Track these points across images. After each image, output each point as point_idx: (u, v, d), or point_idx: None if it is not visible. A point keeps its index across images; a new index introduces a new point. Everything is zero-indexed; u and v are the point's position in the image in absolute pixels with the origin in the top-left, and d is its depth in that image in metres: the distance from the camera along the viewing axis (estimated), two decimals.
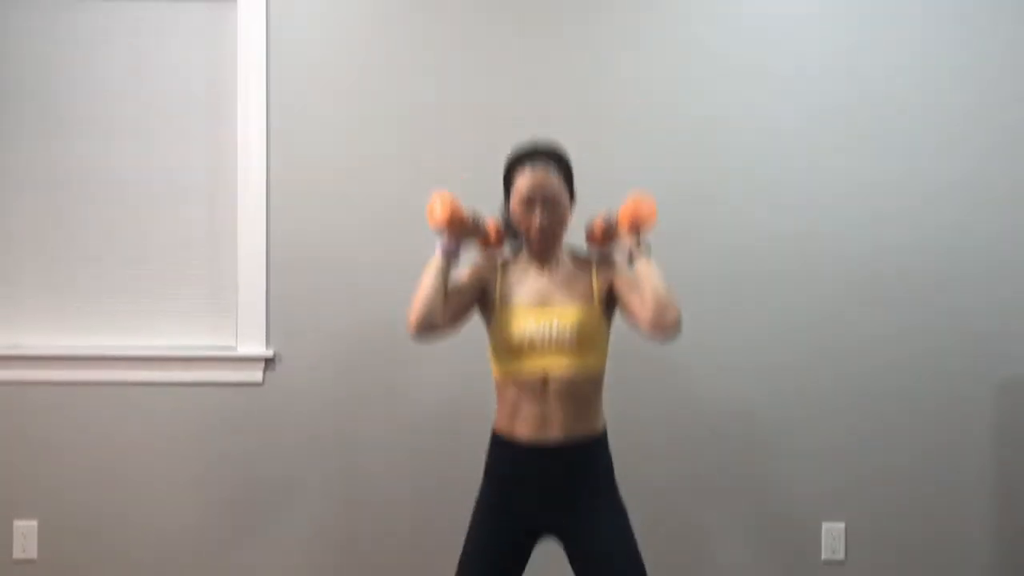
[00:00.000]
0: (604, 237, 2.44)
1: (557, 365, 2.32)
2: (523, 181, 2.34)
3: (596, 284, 2.39)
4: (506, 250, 2.49)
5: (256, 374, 3.19)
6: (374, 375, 3.21)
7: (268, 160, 3.18)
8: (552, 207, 2.34)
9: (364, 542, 3.21)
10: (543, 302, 2.37)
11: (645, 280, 2.29)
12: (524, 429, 2.34)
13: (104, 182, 3.22)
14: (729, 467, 3.25)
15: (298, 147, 3.20)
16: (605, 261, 2.44)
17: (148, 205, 3.23)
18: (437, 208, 2.35)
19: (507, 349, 2.35)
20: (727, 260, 3.24)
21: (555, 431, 2.32)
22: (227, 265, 3.22)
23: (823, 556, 3.26)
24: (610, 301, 2.41)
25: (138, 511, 3.19)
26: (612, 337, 2.41)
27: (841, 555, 3.26)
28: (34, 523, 3.18)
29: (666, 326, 2.25)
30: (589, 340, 2.34)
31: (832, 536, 3.26)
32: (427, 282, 2.32)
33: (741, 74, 3.23)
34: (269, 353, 3.18)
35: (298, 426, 3.20)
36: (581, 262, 2.45)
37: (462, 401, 3.18)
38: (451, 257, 2.36)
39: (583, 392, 2.34)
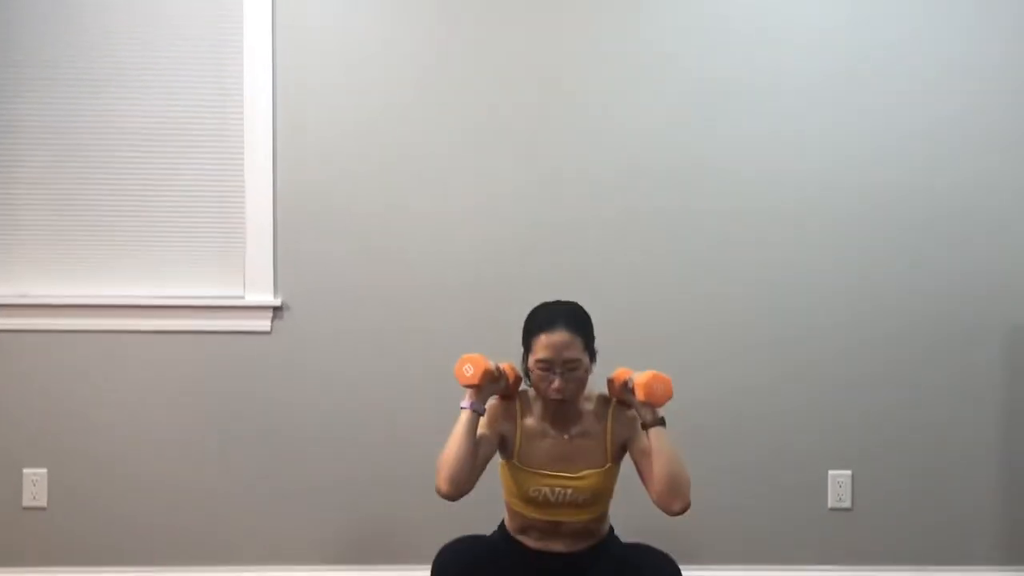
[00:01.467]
0: (621, 394, 2.44)
1: (570, 517, 2.40)
2: (541, 345, 2.33)
3: (610, 444, 2.43)
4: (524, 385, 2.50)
5: (264, 323, 3.20)
6: (381, 323, 3.21)
7: (275, 106, 3.18)
8: (571, 373, 2.34)
9: (373, 489, 3.23)
10: (560, 467, 2.40)
11: (658, 457, 2.33)
12: (531, 542, 2.44)
13: (110, 132, 3.21)
14: (735, 415, 3.26)
15: (306, 93, 3.19)
16: (623, 413, 2.45)
17: (155, 154, 3.21)
18: (469, 371, 2.35)
19: (521, 498, 2.42)
20: (733, 198, 3.24)
21: (561, 547, 2.42)
22: (235, 214, 3.21)
23: (829, 504, 3.27)
24: (623, 452, 2.46)
25: (146, 459, 3.20)
26: None
27: (848, 503, 3.27)
28: (44, 471, 3.19)
29: (672, 511, 2.33)
30: (602, 496, 2.43)
31: (838, 484, 3.27)
32: (457, 445, 2.32)
33: (745, 36, 3.22)
34: (277, 301, 3.18)
35: (306, 374, 3.21)
36: (599, 411, 2.46)
37: (471, 346, 3.18)
38: (480, 414, 2.38)
39: (592, 526, 2.44)
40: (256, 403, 3.21)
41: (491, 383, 2.39)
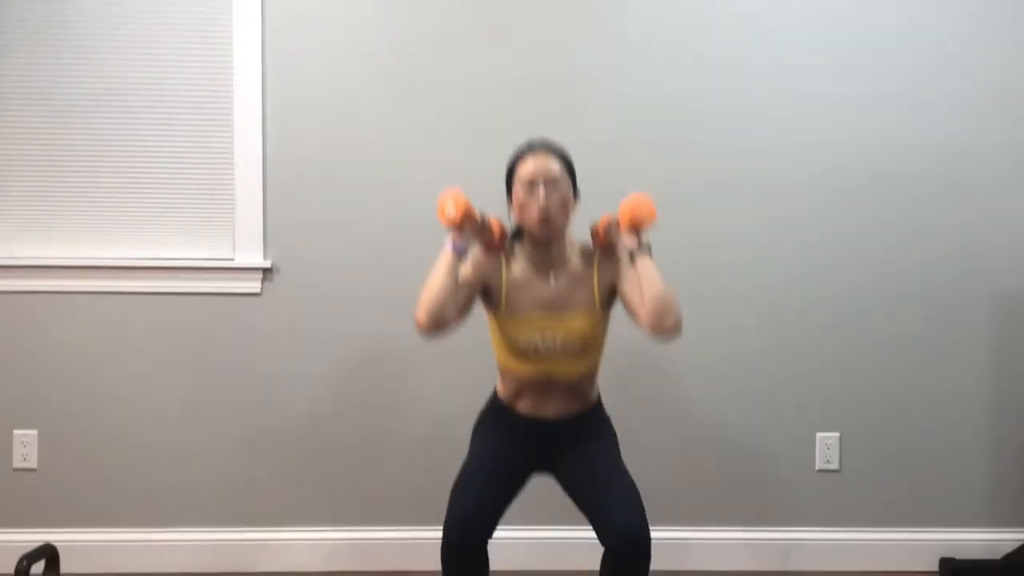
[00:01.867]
0: (606, 237, 2.44)
1: (561, 369, 2.41)
2: (525, 167, 2.37)
3: (598, 287, 2.43)
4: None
5: (254, 284, 3.19)
6: (371, 284, 3.21)
7: (264, 67, 3.17)
8: (554, 189, 2.34)
9: (361, 451, 3.24)
10: (548, 312, 2.40)
11: (645, 280, 2.31)
12: (525, 407, 2.46)
13: (99, 94, 3.19)
14: (723, 378, 3.27)
15: (294, 56, 3.18)
16: (608, 259, 2.45)
17: (144, 116, 3.20)
18: (450, 206, 2.33)
19: (512, 352, 2.43)
20: (723, 171, 3.24)
21: (553, 411, 2.45)
22: (224, 175, 3.20)
23: (817, 466, 3.29)
24: (611, 298, 2.46)
25: (136, 420, 3.20)
26: None
27: (836, 464, 3.29)
28: (34, 432, 3.19)
29: (665, 329, 2.30)
30: (592, 344, 2.43)
31: (827, 446, 3.29)
32: (437, 279, 2.30)
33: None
34: (267, 263, 3.18)
35: (296, 336, 3.21)
36: (584, 260, 2.46)
37: None
38: (462, 255, 2.35)
39: (584, 384, 2.46)
40: (246, 364, 3.21)
41: (474, 226, 2.37)
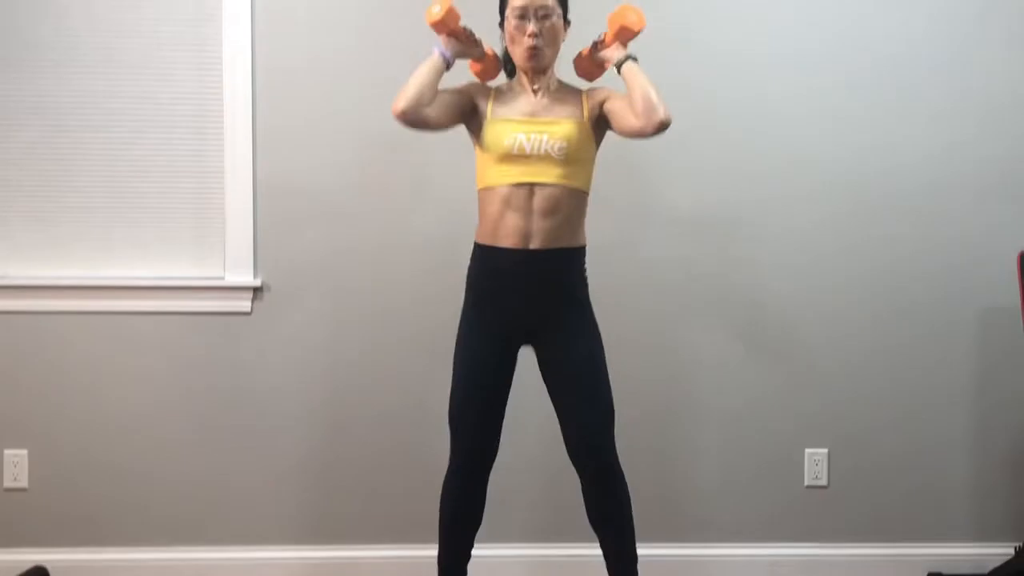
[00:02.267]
0: (593, 62, 2.55)
1: (544, 176, 2.40)
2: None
3: (586, 104, 2.50)
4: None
5: (244, 303, 3.20)
6: (361, 304, 3.22)
7: (254, 86, 3.17)
8: (544, 20, 2.42)
9: (351, 468, 3.25)
10: (535, 118, 2.46)
11: (633, 82, 2.39)
12: (506, 239, 2.44)
13: (91, 113, 3.20)
14: (714, 395, 3.29)
15: (285, 75, 3.19)
16: (594, 89, 2.55)
17: (134, 136, 3.20)
18: (435, 6, 2.42)
19: (496, 158, 2.44)
20: (714, 189, 3.25)
21: (536, 242, 2.43)
22: (215, 196, 3.21)
23: (806, 481, 3.31)
24: (599, 124, 2.50)
25: (127, 440, 3.21)
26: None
27: (824, 480, 3.31)
28: (24, 452, 3.19)
29: (655, 123, 2.35)
30: (576, 155, 2.44)
31: (815, 462, 3.31)
32: (419, 72, 2.43)
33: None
34: (257, 282, 3.19)
35: (286, 354, 3.22)
36: (572, 88, 2.56)
37: (450, 325, 3.21)
38: (446, 59, 2.44)
39: (566, 206, 2.44)
40: (236, 383, 3.22)
41: (461, 34, 2.47)
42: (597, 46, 2.54)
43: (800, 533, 3.31)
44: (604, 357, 2.50)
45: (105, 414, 3.20)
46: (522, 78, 2.54)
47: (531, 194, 2.41)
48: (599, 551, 2.59)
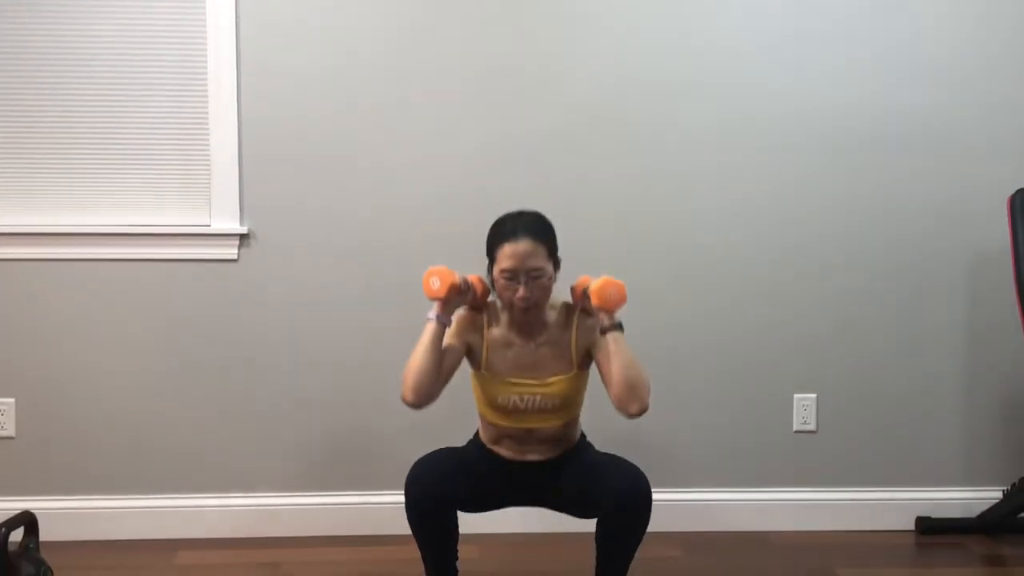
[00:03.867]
0: (583, 301, 2.45)
1: (540, 423, 2.44)
2: (504, 255, 2.36)
3: (575, 351, 2.46)
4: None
5: (231, 250, 3.19)
6: (347, 247, 3.21)
7: (238, 33, 3.14)
8: (535, 281, 2.35)
9: (344, 412, 3.25)
10: (527, 374, 2.43)
11: (614, 359, 2.35)
12: (506, 452, 2.50)
13: (73, 61, 3.17)
14: (702, 343, 3.29)
15: (270, 23, 3.16)
16: (585, 321, 2.47)
17: (117, 83, 3.17)
18: (435, 281, 2.37)
19: (491, 407, 2.46)
20: (696, 146, 3.25)
21: (535, 456, 2.48)
22: (200, 142, 3.19)
23: (795, 426, 3.32)
24: (589, 359, 2.48)
25: (114, 387, 3.20)
26: None
27: (812, 425, 3.32)
28: (11, 401, 3.18)
29: (630, 412, 2.36)
30: (571, 401, 2.46)
31: (803, 407, 3.31)
32: (421, 355, 2.37)
33: None
34: (243, 229, 3.18)
35: (273, 300, 3.21)
36: (564, 320, 2.48)
37: (439, 262, 3.20)
38: (443, 324, 2.40)
39: (564, 432, 2.49)
40: (224, 329, 3.21)
41: (457, 296, 2.42)
42: (586, 297, 2.40)
43: (789, 478, 3.32)
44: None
45: (92, 362, 3.19)
46: (512, 316, 2.45)
47: (528, 434, 2.46)
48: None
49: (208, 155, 3.18)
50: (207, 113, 3.16)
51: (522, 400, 2.42)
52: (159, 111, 3.19)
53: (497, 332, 2.47)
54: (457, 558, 2.48)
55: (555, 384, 2.43)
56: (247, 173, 3.18)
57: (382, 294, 3.22)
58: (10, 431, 3.19)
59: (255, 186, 3.18)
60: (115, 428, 3.20)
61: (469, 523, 2.52)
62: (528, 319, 2.44)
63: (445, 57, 3.20)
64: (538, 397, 2.42)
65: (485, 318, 2.49)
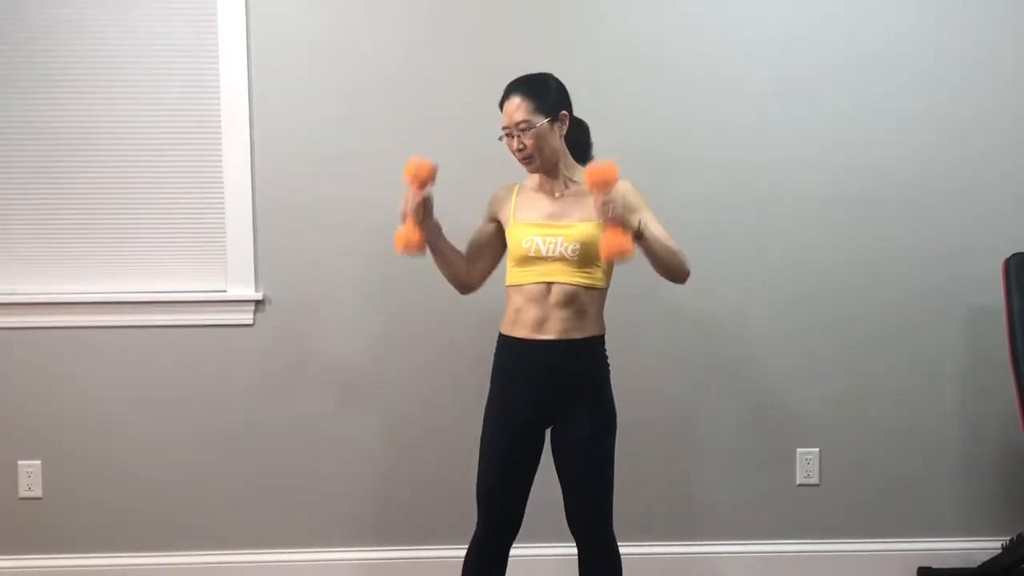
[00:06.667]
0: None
1: (559, 276, 2.49)
2: (503, 116, 2.53)
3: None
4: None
5: (247, 316, 3.29)
6: (361, 314, 3.30)
7: (251, 101, 3.23)
8: (525, 135, 2.48)
9: (355, 477, 3.34)
10: (551, 220, 2.53)
11: (648, 259, 2.51)
12: (523, 330, 2.54)
13: (91, 132, 3.27)
14: (708, 398, 3.36)
15: (281, 90, 3.25)
16: (622, 193, 2.45)
17: (135, 153, 3.28)
18: (398, 244, 2.54)
19: (516, 260, 2.55)
20: (706, 185, 3.31)
21: (551, 332, 2.51)
22: (215, 210, 3.29)
23: (798, 480, 3.38)
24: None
25: (136, 450, 3.30)
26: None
27: (816, 479, 3.38)
28: (38, 463, 3.30)
29: (679, 281, 2.59)
30: (591, 255, 2.49)
31: (807, 461, 3.38)
32: (441, 268, 2.62)
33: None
34: (259, 295, 3.27)
35: (288, 364, 3.30)
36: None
37: (451, 335, 3.29)
38: (436, 242, 2.57)
39: (582, 301, 2.52)
40: (240, 394, 3.31)
41: (417, 250, 2.56)
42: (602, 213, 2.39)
43: (792, 530, 3.39)
44: (612, 440, 2.56)
45: (115, 425, 3.30)
46: (538, 176, 2.60)
47: (548, 291, 2.51)
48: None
49: (223, 224, 3.28)
50: (222, 184, 3.26)
51: (544, 243, 2.49)
52: (176, 184, 3.30)
53: (526, 192, 2.63)
54: None
55: (576, 228, 2.49)
56: (262, 240, 3.27)
57: (397, 358, 3.30)
58: (37, 492, 3.30)
59: (270, 253, 3.28)
60: (137, 489, 3.31)
61: None
62: (548, 175, 2.57)
63: (469, 112, 3.24)
64: (560, 239, 2.48)
65: (516, 188, 2.65)
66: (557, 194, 2.57)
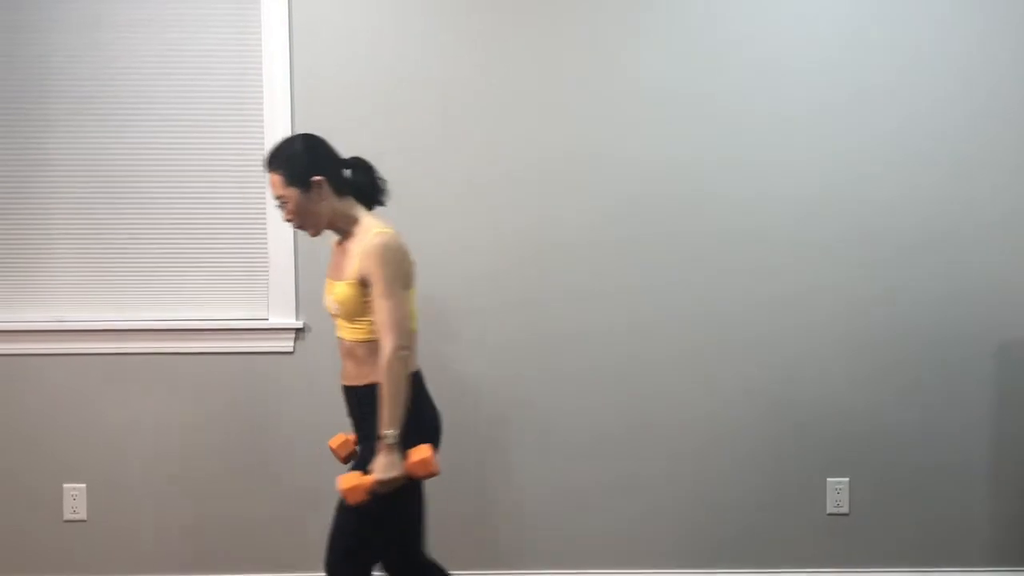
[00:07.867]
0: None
1: (340, 330, 2.61)
2: None
3: (359, 267, 2.52)
4: None
5: (287, 343, 3.36)
6: None
7: (293, 131, 3.25)
8: (284, 206, 2.57)
9: None
10: (331, 277, 2.64)
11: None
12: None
13: (137, 163, 3.37)
14: (739, 429, 3.41)
15: (323, 122, 3.28)
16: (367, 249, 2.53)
17: (180, 184, 3.38)
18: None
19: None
20: (733, 218, 3.36)
21: (346, 379, 2.64)
22: (258, 240, 3.38)
23: (828, 509, 3.42)
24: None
25: (179, 473, 3.39)
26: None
27: (846, 508, 3.42)
28: (83, 486, 3.38)
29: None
30: (352, 312, 2.55)
31: (836, 491, 3.42)
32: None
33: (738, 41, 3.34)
34: (299, 324, 3.35)
35: (327, 391, 3.34)
36: (362, 239, 2.55)
37: (486, 359, 3.35)
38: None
39: (357, 352, 2.58)
40: (280, 419, 3.38)
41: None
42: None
43: (822, 559, 3.43)
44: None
45: (158, 449, 3.38)
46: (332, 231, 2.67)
47: (340, 341, 2.62)
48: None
49: (266, 253, 3.36)
50: (265, 214, 3.35)
51: (328, 299, 2.61)
52: (220, 214, 3.39)
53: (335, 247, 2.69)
54: None
55: (338, 288, 2.56)
56: (303, 269, 3.35)
57: (433, 385, 3.34)
58: (82, 515, 3.38)
59: (311, 282, 3.34)
60: (180, 512, 3.39)
61: None
62: (335, 232, 2.62)
63: (520, 152, 3.34)
64: (331, 297, 2.59)
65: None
66: (340, 251, 2.63)
